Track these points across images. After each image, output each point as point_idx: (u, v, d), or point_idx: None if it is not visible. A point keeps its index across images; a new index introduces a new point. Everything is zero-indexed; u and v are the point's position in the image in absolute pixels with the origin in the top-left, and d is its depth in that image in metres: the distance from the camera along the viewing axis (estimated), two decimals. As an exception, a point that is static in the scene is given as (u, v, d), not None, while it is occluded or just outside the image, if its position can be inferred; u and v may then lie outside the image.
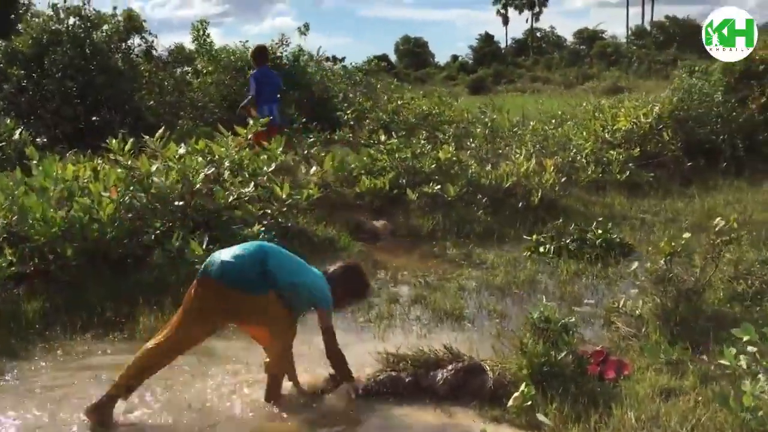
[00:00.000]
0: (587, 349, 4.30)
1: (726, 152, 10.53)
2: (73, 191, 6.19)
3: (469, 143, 10.63)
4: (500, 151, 10.31)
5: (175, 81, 13.56)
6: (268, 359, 4.01)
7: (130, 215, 6.23)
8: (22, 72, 11.80)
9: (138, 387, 3.84)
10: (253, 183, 6.75)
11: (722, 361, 3.72)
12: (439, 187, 8.30)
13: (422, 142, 9.59)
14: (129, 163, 6.62)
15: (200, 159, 6.89)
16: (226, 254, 3.84)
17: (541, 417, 3.57)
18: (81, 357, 4.63)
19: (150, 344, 3.85)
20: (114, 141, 6.72)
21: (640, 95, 13.79)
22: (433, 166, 8.73)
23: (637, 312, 4.96)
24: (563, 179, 8.79)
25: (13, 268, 5.33)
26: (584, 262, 6.53)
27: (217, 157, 7.06)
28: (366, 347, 4.65)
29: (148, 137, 6.82)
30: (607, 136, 10.67)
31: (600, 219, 7.42)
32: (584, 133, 10.80)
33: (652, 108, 10.98)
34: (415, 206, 8.30)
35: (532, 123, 11.25)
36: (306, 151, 9.92)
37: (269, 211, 6.70)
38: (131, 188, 6.40)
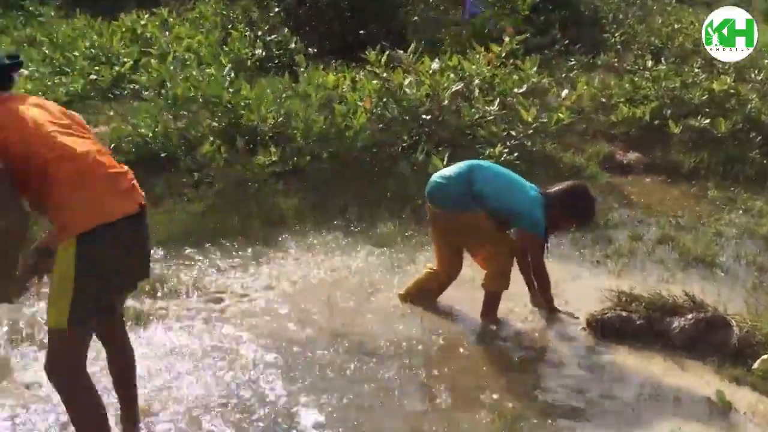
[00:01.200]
0: None
1: None
2: (333, 99, 6.55)
3: (753, 75, 9.35)
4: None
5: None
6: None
7: (380, 125, 6.46)
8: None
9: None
10: (498, 102, 6.57)
11: None
12: (708, 121, 7.46)
13: (695, 70, 8.62)
14: (384, 75, 6.80)
15: (452, 75, 6.88)
16: (438, 174, 3.85)
17: (791, 387, 3.13)
18: (323, 253, 4.96)
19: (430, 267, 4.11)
20: (372, 53, 6.92)
21: None
22: (705, 97, 7.84)
23: None
24: None
25: (273, 168, 5.79)
26: None
27: (467, 74, 6.98)
28: (598, 282, 4.41)
29: (401, 51, 6.92)
30: None
31: None
32: None
33: None
34: (677, 140, 7.57)
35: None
36: (564, 75, 9.47)
37: (513, 133, 6.52)
38: (384, 99, 6.61)
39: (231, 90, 6.13)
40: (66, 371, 2.38)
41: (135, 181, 2.49)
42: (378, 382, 3.29)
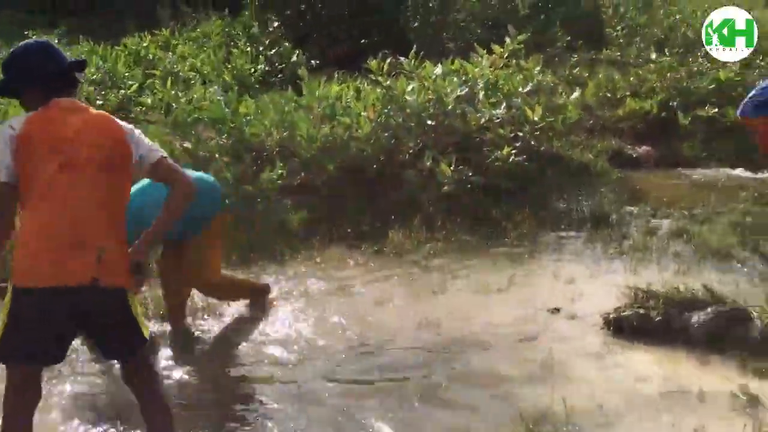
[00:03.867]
0: None
1: None
2: (336, 110, 6.54)
3: (759, 61, 9.26)
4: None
5: (441, 0, 13.53)
6: None
7: (386, 134, 6.44)
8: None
9: None
10: (504, 104, 6.54)
11: None
12: (717, 110, 7.40)
13: (699, 59, 8.54)
14: (387, 83, 6.78)
15: (455, 79, 6.85)
16: None
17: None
18: (334, 266, 4.94)
19: None
20: (374, 61, 6.91)
21: None
22: (712, 87, 7.78)
23: None
24: None
25: (281, 181, 5.78)
26: None
27: (470, 76, 6.95)
28: (614, 279, 4.38)
29: (403, 58, 6.90)
30: None
31: None
32: None
33: None
34: (686, 131, 7.51)
35: None
36: (567, 72, 9.43)
37: (521, 134, 6.48)
38: (388, 107, 6.59)
39: (229, 108, 6.11)
40: (2, 407, 2.34)
41: (105, 256, 2.29)
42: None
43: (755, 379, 3.24)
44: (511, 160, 6.12)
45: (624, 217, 5.66)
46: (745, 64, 9.06)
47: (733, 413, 3.00)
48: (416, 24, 13.07)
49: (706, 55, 9.27)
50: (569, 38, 11.86)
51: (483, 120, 6.50)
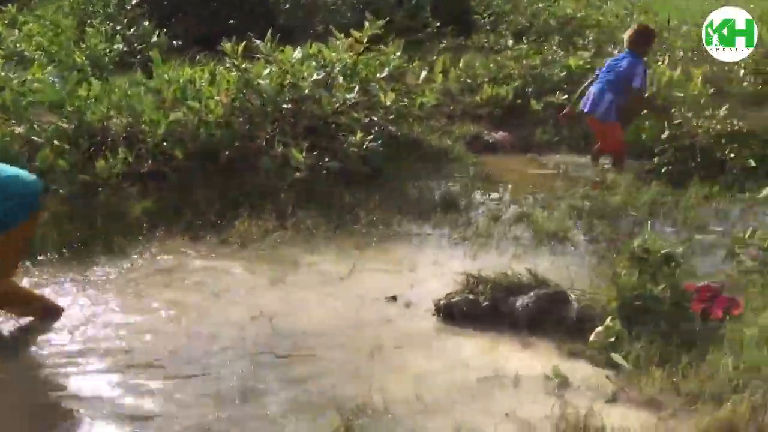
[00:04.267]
0: (696, 284, 3.84)
1: None
2: (188, 93, 6.29)
3: (610, 49, 9.72)
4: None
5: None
6: None
7: (240, 119, 6.27)
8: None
9: None
10: (357, 88, 6.51)
11: None
12: (566, 97, 7.69)
13: (554, 48, 8.86)
14: (244, 66, 6.59)
15: (313, 63, 6.75)
16: None
17: (616, 357, 3.23)
18: (174, 257, 4.75)
19: None
20: (228, 44, 6.69)
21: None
22: (563, 74, 8.08)
23: (766, 244, 4.37)
24: (712, 90, 7.81)
25: (121, 167, 5.50)
26: (717, 185, 5.86)
27: (328, 61, 6.87)
28: (454, 266, 4.44)
29: (258, 41, 6.73)
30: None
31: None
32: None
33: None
34: (539, 118, 7.77)
35: (685, 26, 10.04)
36: (435, 58, 9.55)
37: (375, 119, 6.47)
38: (244, 92, 6.41)
39: (65, 91, 5.75)
40: None
41: None
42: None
43: (568, 361, 3.37)
44: (365, 145, 6.11)
45: (472, 203, 5.77)
46: (596, 52, 9.53)
47: (544, 395, 3.11)
48: (287, 5, 12.86)
49: (560, 43, 9.67)
50: (439, 24, 12.03)
51: (338, 104, 6.45)
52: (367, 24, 7.32)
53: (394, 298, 4.05)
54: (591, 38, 10.42)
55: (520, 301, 3.67)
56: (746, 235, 4.51)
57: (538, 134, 7.63)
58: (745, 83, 8.41)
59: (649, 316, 3.43)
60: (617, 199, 5.67)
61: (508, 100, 7.99)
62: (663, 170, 6.40)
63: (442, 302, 3.80)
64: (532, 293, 3.69)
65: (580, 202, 5.66)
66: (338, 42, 7.18)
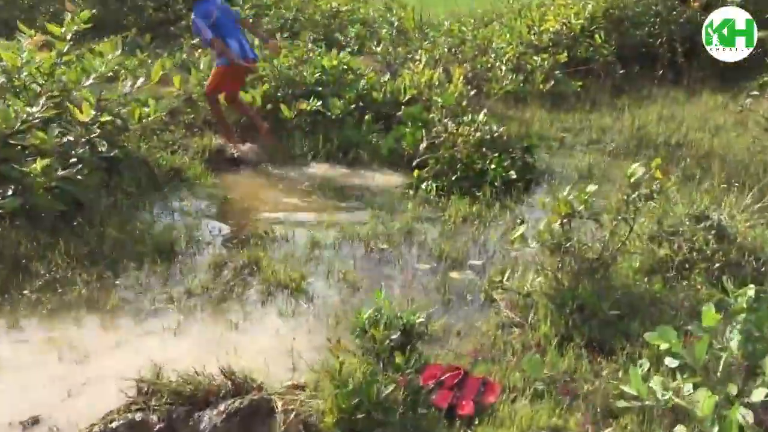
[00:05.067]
0: (441, 364, 3.05)
1: (663, 57, 9.13)
2: None
3: (373, 47, 9.00)
4: (409, 56, 8.72)
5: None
6: None
7: None
8: None
9: None
10: (43, 100, 5.10)
11: (627, 389, 2.56)
12: (320, 102, 6.78)
13: (309, 45, 7.92)
14: None
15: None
16: None
17: None
18: None
19: None
20: None
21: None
22: (317, 75, 7.15)
23: (525, 289, 3.71)
24: (473, 92, 7.31)
25: None
26: (478, 203, 5.25)
27: (9, 65, 5.38)
28: (145, 348, 3.31)
29: None
30: (533, 39, 9.12)
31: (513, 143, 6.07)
32: (508, 36, 9.21)
33: (585, 5, 9.42)
34: (293, 126, 6.79)
35: (446, 23, 9.55)
36: (177, 58, 8.28)
37: (72, 138, 5.09)
38: None
39: None
40: None
41: None
42: None
43: None
44: (59, 172, 4.75)
45: (198, 244, 4.63)
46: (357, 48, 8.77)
47: None
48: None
49: (315, 40, 8.77)
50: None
51: (20, 121, 4.99)
52: (68, 18, 5.88)
53: (36, 421, 2.82)
54: (353, 35, 9.66)
55: (207, 420, 2.62)
56: (504, 277, 3.84)
57: (291, 144, 6.63)
58: (506, 81, 8.04)
59: (379, 429, 2.54)
60: (367, 228, 4.83)
61: (257, 106, 6.93)
62: (424, 185, 5.71)
63: (96, 429, 2.64)
64: (222, 406, 2.65)
65: (324, 235, 4.74)
66: (30, 37, 5.71)
